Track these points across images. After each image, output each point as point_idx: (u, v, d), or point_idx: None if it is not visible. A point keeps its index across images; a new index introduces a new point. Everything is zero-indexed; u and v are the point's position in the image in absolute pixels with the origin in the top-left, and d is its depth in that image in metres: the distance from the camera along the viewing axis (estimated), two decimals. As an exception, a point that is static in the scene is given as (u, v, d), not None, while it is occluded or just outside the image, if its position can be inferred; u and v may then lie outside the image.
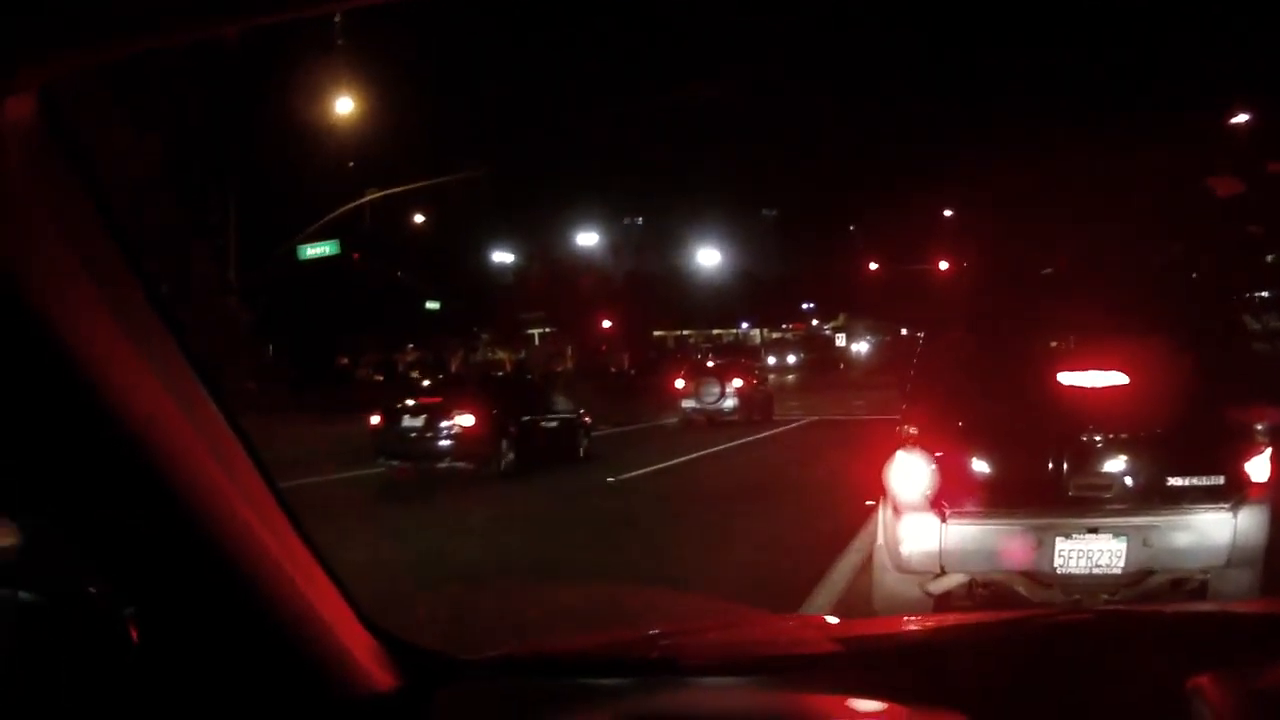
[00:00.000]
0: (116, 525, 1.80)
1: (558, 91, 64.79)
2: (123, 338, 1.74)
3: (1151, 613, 3.68)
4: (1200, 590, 8.09)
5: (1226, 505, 7.92)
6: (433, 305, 63.69)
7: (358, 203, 35.07)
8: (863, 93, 77.00)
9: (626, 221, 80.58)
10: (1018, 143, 61.84)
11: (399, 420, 22.59)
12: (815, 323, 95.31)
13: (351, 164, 38.48)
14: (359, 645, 2.09)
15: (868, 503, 11.40)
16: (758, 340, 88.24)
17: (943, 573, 8.34)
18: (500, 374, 47.79)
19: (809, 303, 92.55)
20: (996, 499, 8.36)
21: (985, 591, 8.41)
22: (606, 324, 70.28)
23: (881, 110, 75.55)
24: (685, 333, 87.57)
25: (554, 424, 25.31)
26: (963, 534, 8.27)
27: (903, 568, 8.50)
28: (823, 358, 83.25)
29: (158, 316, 1.83)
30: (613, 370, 44.05)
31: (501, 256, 71.52)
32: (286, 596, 1.93)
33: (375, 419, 22.95)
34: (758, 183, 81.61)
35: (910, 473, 8.39)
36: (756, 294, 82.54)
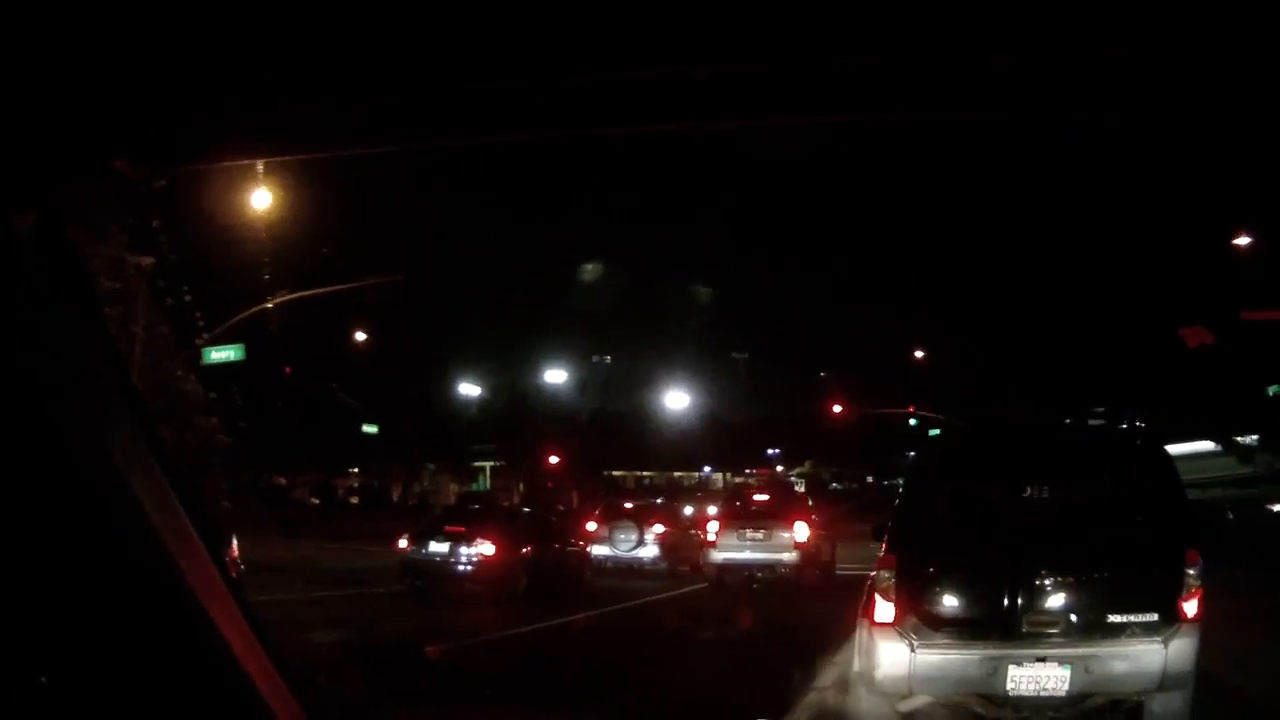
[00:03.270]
0: (80, 621, 1.92)
1: (535, 230, 66.63)
2: (107, 451, 1.89)
3: None
4: (1136, 711, 9.64)
5: (1159, 638, 9.50)
6: (370, 428, 63.30)
7: (264, 305, 34.42)
8: (837, 237, 79.21)
9: (595, 359, 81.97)
10: (992, 288, 64.13)
11: None
12: (780, 468, 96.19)
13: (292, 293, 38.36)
14: None
15: None
16: (720, 484, 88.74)
17: (911, 694, 9.87)
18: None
19: (775, 448, 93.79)
20: (959, 632, 9.91)
21: (946, 711, 9.93)
22: (554, 460, 71.03)
23: (855, 255, 77.88)
24: (645, 474, 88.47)
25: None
26: (929, 661, 9.80)
27: (876, 689, 10.02)
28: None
29: (142, 432, 1.97)
30: (560, 508, 43.67)
31: (468, 389, 72.59)
32: (239, 695, 2.07)
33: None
34: (729, 325, 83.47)
35: (884, 609, 9.93)
36: (722, 437, 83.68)
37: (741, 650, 18.75)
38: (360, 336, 53.87)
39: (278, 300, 34.68)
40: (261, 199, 32.02)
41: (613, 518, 36.00)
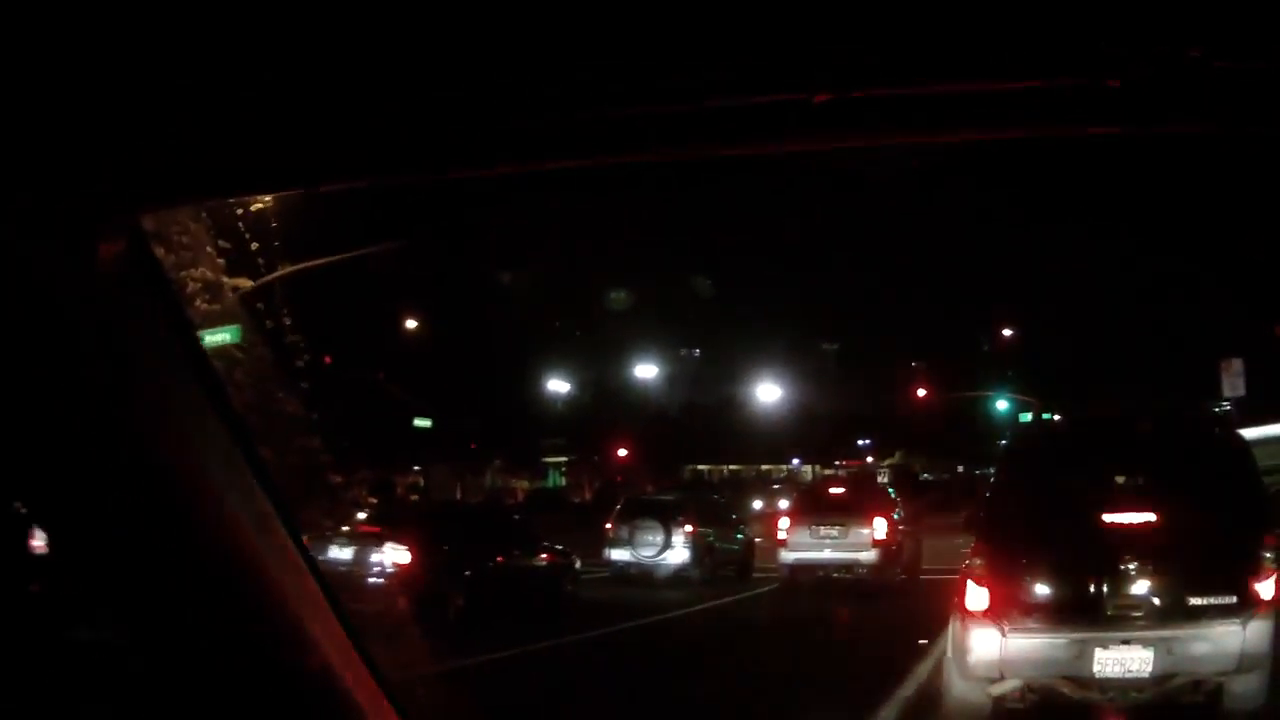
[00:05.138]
0: (183, 640, 1.97)
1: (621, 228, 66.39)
2: (206, 474, 1.90)
3: None
4: (1216, 692, 10.22)
5: (1238, 620, 10.09)
6: (422, 422, 59.92)
7: (267, 279, 30.95)
8: (926, 224, 78.79)
9: (683, 353, 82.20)
10: (1086, 270, 63.67)
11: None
12: (870, 460, 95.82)
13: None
14: None
15: None
16: (809, 477, 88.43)
17: (1002, 678, 10.56)
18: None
19: (866, 439, 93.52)
20: (1048, 617, 10.58)
21: (1035, 694, 10.58)
22: (623, 453, 70.85)
23: (944, 238, 77.44)
24: (731, 467, 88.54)
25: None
26: (1020, 645, 10.48)
27: (968, 674, 10.71)
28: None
29: (241, 454, 1.97)
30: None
31: (556, 385, 72.76)
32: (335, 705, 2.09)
33: None
34: (819, 316, 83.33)
35: (977, 597, 10.59)
36: (813, 430, 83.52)
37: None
38: (411, 324, 51.97)
39: (279, 274, 31.91)
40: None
41: (634, 515, 30.41)
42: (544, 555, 24.18)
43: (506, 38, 1.64)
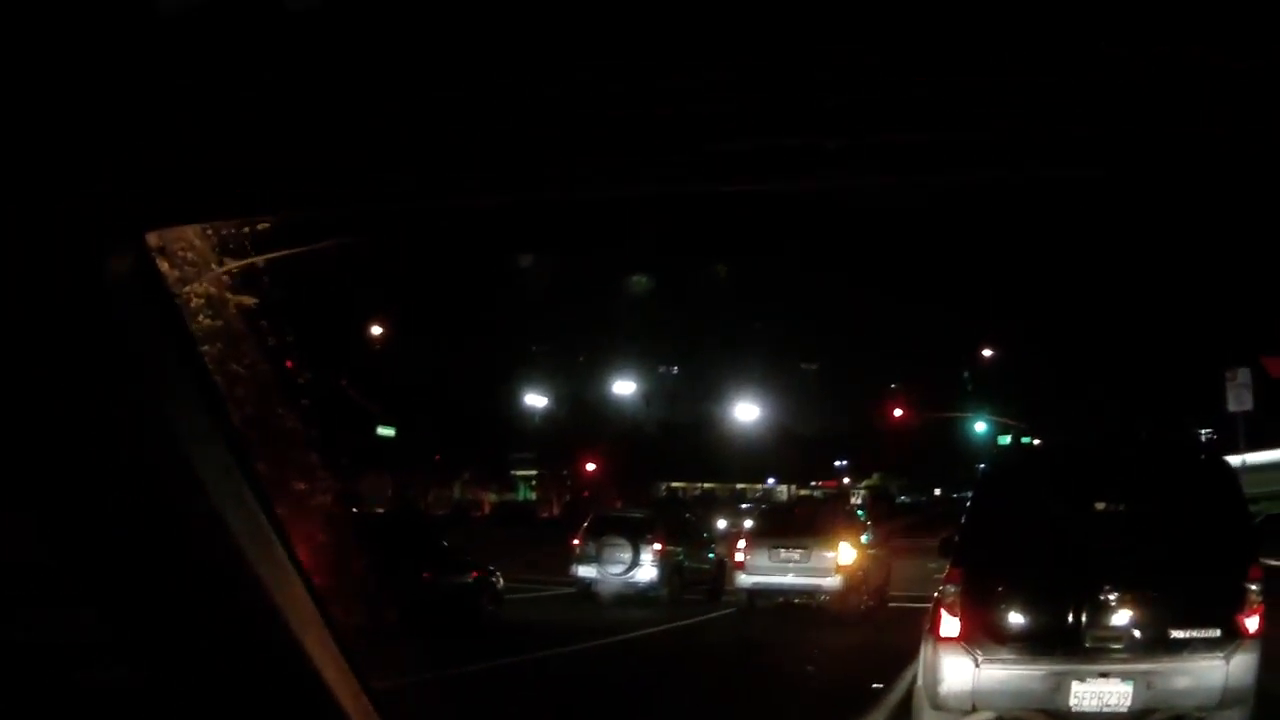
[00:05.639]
0: (178, 651, 2.04)
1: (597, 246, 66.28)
2: (202, 486, 1.94)
3: None
4: None
5: (1221, 654, 9.70)
6: (386, 431, 57.49)
7: (231, 266, 30.90)
8: (906, 245, 78.89)
9: (661, 370, 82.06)
10: (1068, 296, 63.62)
11: None
12: (847, 480, 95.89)
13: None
14: None
15: None
16: (784, 496, 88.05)
17: (974, 710, 10.14)
18: None
19: (844, 460, 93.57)
20: (1024, 647, 10.16)
21: None
22: (591, 467, 70.04)
23: (924, 261, 77.44)
24: (707, 485, 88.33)
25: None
26: (993, 676, 10.07)
27: (939, 705, 10.28)
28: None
29: (238, 468, 2.04)
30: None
31: (534, 399, 72.47)
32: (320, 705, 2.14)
33: None
34: (799, 337, 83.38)
35: (950, 624, 10.19)
36: (791, 450, 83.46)
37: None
38: (376, 330, 51.39)
39: (246, 261, 31.35)
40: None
41: (602, 532, 29.22)
42: (462, 571, 22.71)
43: (507, 37, 1.65)
